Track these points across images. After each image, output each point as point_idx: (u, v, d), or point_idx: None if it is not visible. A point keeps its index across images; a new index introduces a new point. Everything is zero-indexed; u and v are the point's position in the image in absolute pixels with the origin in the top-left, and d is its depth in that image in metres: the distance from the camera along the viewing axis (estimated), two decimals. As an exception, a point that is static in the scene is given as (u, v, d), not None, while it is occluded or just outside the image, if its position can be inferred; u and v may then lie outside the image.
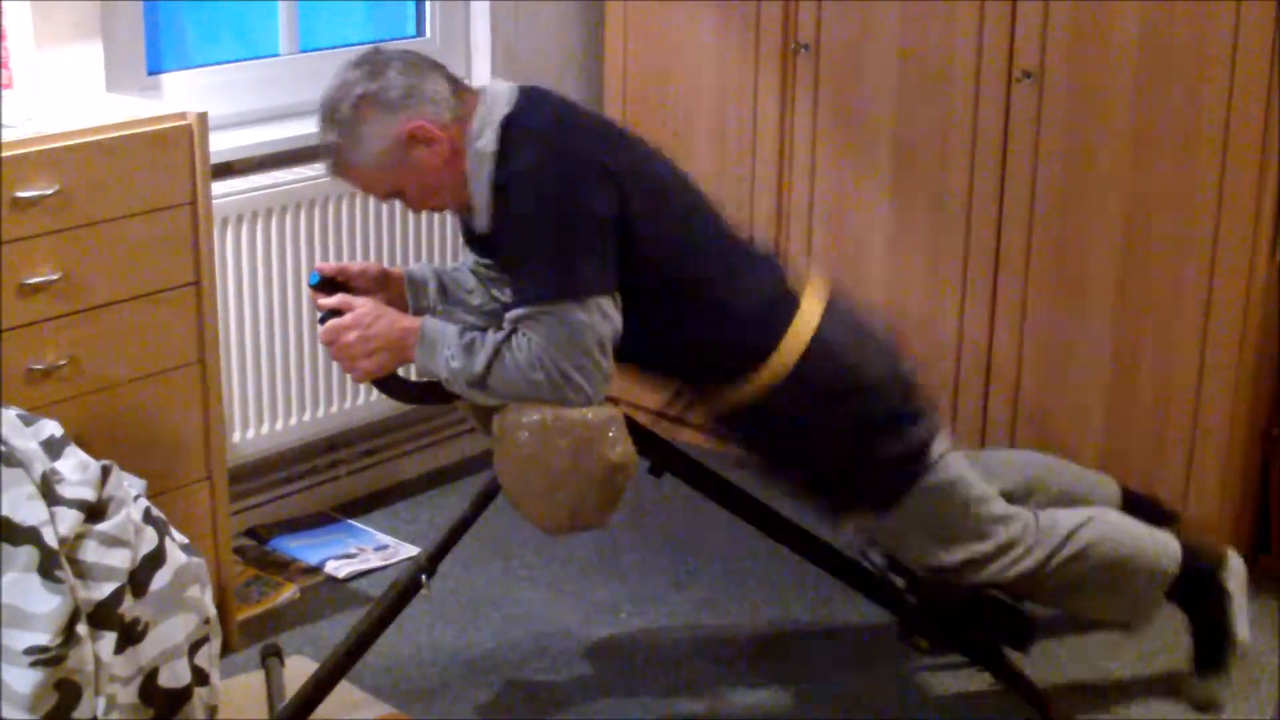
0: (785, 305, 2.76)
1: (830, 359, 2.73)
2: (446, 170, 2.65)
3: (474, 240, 2.83)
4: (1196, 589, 2.96)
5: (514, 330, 2.59)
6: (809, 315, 2.75)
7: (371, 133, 2.62)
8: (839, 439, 2.75)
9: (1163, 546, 2.94)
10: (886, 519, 2.80)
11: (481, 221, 2.67)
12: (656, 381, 2.88)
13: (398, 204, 3.66)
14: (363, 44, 3.84)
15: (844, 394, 2.74)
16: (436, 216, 3.77)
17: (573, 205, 2.57)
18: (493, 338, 2.60)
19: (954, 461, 2.82)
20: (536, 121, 2.64)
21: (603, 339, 2.58)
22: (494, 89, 2.69)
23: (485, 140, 2.61)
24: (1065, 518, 2.89)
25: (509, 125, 2.62)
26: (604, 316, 2.58)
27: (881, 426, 2.75)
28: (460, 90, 2.68)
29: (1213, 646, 2.99)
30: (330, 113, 2.64)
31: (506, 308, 2.68)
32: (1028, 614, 2.94)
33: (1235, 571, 3.00)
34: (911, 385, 2.84)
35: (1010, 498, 2.93)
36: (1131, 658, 3.17)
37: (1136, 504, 3.19)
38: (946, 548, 2.80)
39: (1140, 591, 2.92)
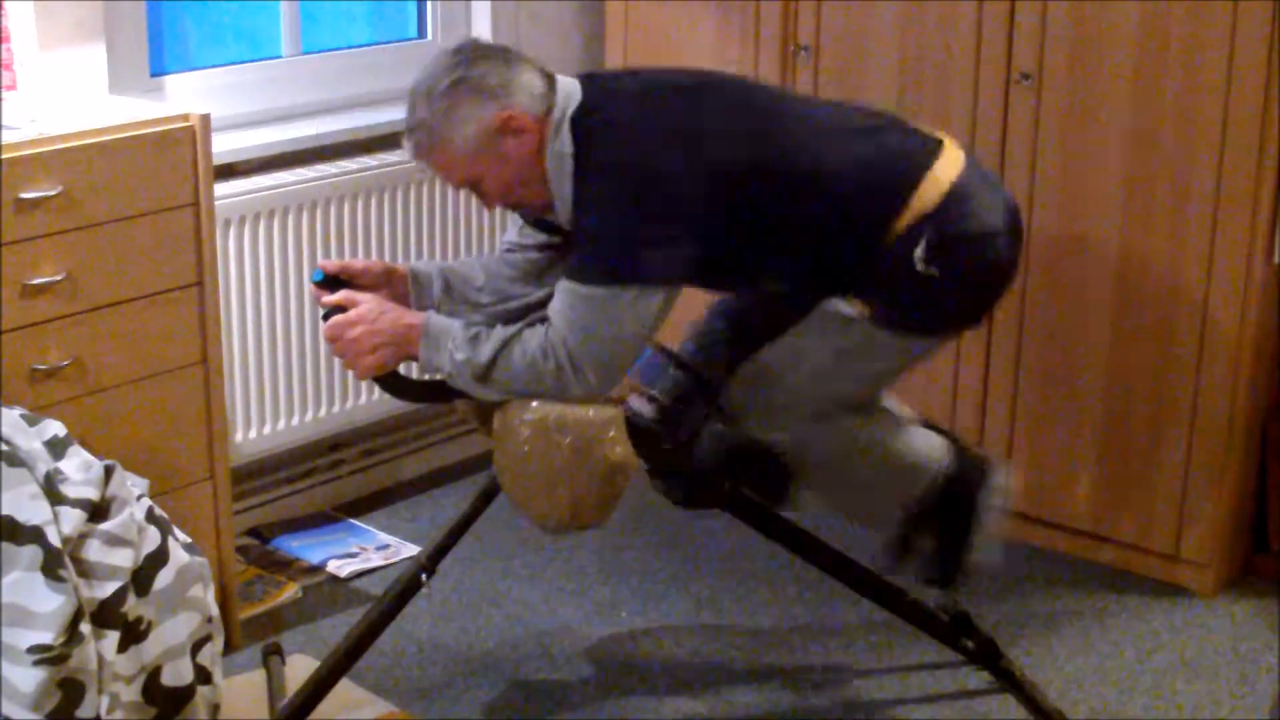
0: (926, 148, 2.74)
1: (973, 199, 2.71)
2: (531, 164, 2.65)
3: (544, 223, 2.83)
4: (950, 493, 2.91)
5: (527, 325, 2.60)
6: (952, 159, 2.74)
7: (465, 115, 2.61)
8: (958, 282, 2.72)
9: (932, 448, 2.91)
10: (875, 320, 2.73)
11: (565, 219, 2.68)
12: (799, 268, 2.80)
13: (398, 207, 3.69)
14: (365, 46, 3.91)
15: (974, 239, 2.72)
16: (437, 218, 3.78)
17: (645, 193, 2.58)
18: (500, 331, 2.61)
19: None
20: (606, 113, 2.64)
21: (627, 338, 2.58)
22: (563, 84, 2.68)
23: (561, 140, 2.62)
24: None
25: (578, 121, 2.63)
26: (640, 314, 2.58)
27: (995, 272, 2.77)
28: (548, 85, 2.67)
29: (944, 556, 2.93)
30: (426, 91, 2.63)
31: (509, 311, 2.69)
32: (784, 463, 2.85)
33: (997, 486, 2.94)
34: (1018, 245, 2.83)
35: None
36: (1129, 655, 3.18)
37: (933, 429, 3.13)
38: (800, 397, 2.76)
39: (889, 490, 2.89)
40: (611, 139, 2.63)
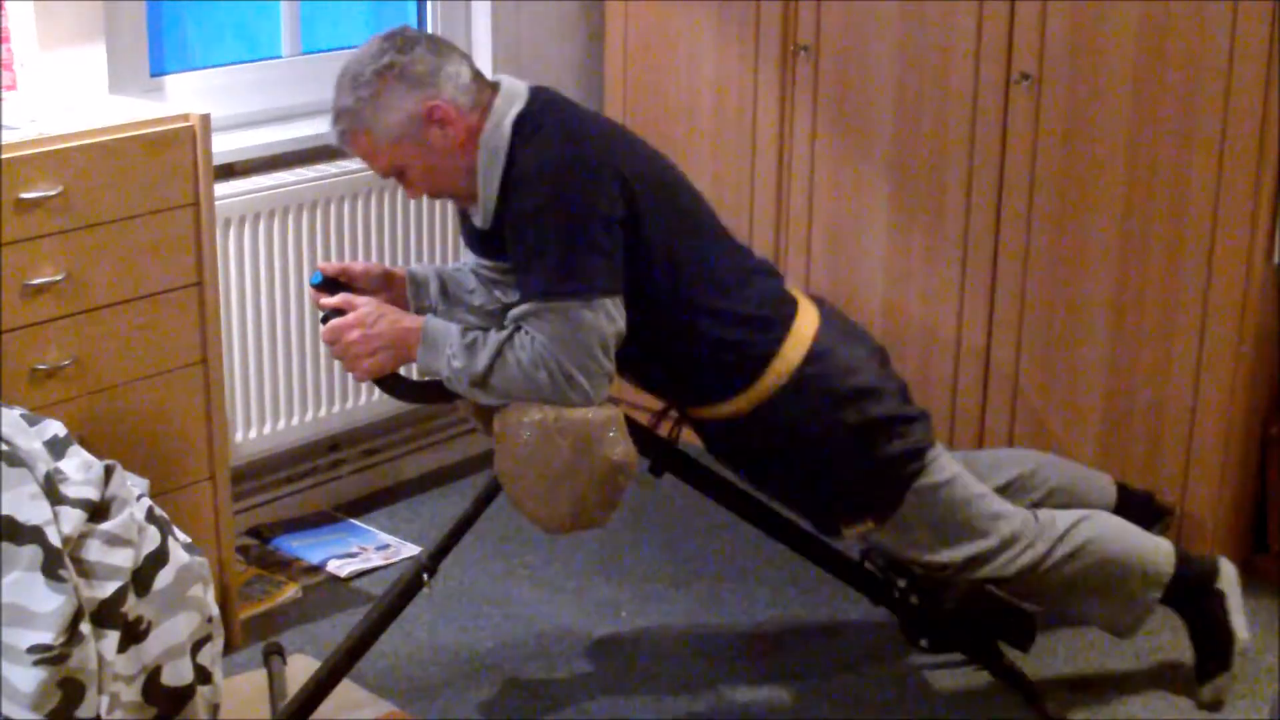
0: (785, 312, 2.77)
1: (830, 362, 2.75)
2: (457, 156, 2.66)
3: (475, 241, 2.84)
4: (1193, 592, 2.97)
5: (517, 329, 2.60)
6: (807, 322, 2.76)
7: (391, 103, 2.63)
8: (838, 445, 2.76)
9: (1158, 548, 2.96)
10: (886, 523, 2.81)
11: (482, 217, 2.68)
12: (650, 392, 2.89)
13: (398, 206, 3.69)
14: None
15: (843, 397, 2.75)
16: (438, 218, 3.78)
17: (582, 205, 2.58)
18: (495, 337, 2.61)
19: (948, 461, 2.83)
20: (548, 121, 2.65)
21: (606, 339, 2.59)
22: (510, 85, 2.70)
23: (498, 136, 2.63)
24: (1063, 515, 2.90)
25: (521, 123, 2.63)
26: (609, 317, 2.59)
27: (878, 431, 2.76)
28: (480, 81, 2.69)
29: (1214, 647, 3.00)
30: (353, 77, 2.64)
31: (508, 307, 2.69)
32: (1028, 613, 2.95)
33: (1228, 575, 3.01)
34: (904, 389, 2.85)
35: (1005, 493, 2.94)
36: (1129, 656, 3.18)
37: (1131, 500, 3.21)
38: (949, 546, 2.81)
39: (1135, 592, 2.93)
40: (544, 143, 2.62)
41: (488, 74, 2.79)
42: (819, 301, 2.87)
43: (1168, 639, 3.21)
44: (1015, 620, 2.94)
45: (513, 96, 2.67)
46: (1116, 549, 2.91)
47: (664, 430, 2.89)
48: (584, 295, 2.56)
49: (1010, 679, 3.00)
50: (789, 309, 2.78)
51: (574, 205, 2.58)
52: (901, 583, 2.96)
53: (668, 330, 2.72)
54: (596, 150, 2.64)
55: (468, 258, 2.93)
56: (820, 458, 2.78)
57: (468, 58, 2.71)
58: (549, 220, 2.59)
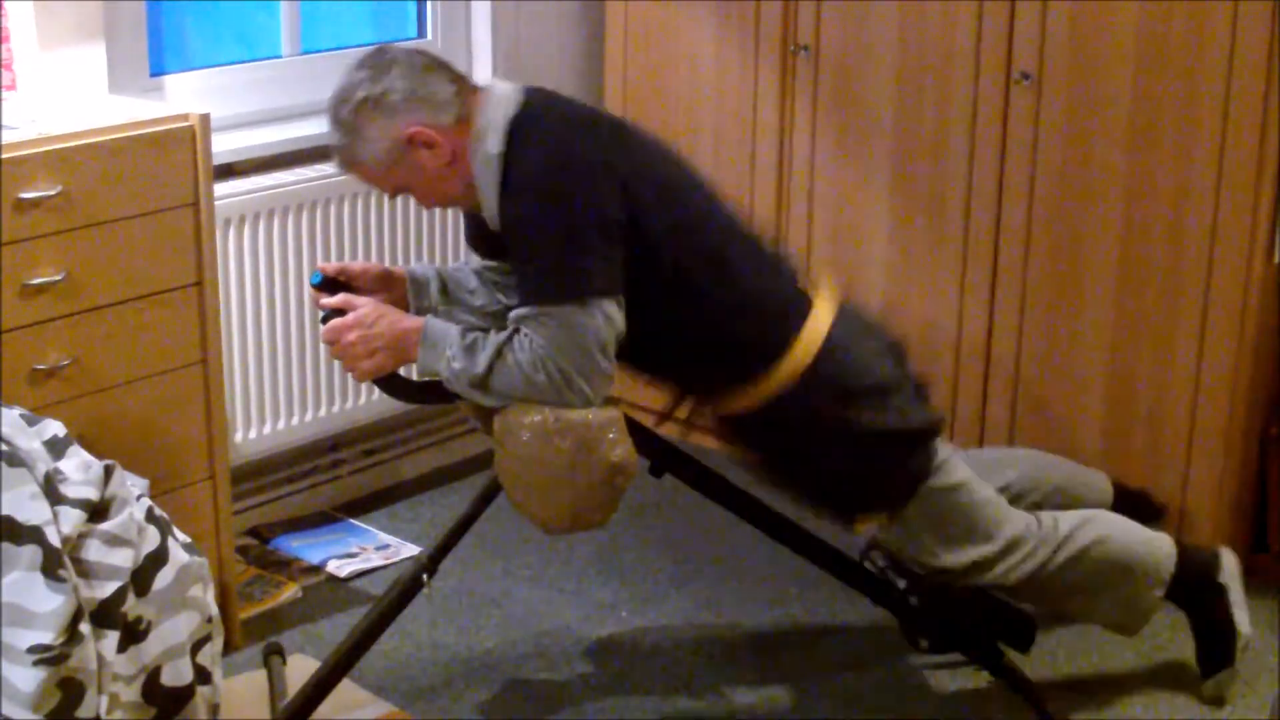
0: (798, 305, 2.76)
1: (843, 359, 2.74)
2: (449, 171, 2.67)
3: (480, 242, 2.84)
4: (1195, 588, 2.98)
5: (516, 330, 2.60)
6: (821, 316, 2.76)
7: (372, 135, 2.64)
8: (850, 441, 2.76)
9: (1160, 545, 2.96)
10: (895, 521, 2.81)
11: (492, 220, 2.68)
12: (664, 386, 2.89)
13: (399, 206, 3.70)
14: (364, 46, 3.90)
15: (856, 395, 2.74)
16: (438, 217, 3.78)
17: (579, 206, 2.58)
18: (494, 338, 2.61)
19: (959, 464, 2.83)
20: (543, 122, 2.65)
21: (604, 341, 2.59)
22: (498, 89, 2.69)
23: (491, 142, 2.62)
24: (1065, 519, 2.90)
25: (515, 127, 2.63)
26: (607, 319, 2.59)
27: (891, 428, 2.76)
28: (464, 90, 2.68)
29: (1217, 642, 3.01)
30: (334, 115, 2.67)
31: (510, 309, 2.69)
32: (1028, 614, 2.95)
33: (1230, 568, 3.02)
34: (919, 386, 2.85)
35: (1004, 494, 2.94)
36: (1129, 656, 3.18)
37: (1128, 498, 3.21)
38: (953, 549, 2.81)
39: (1138, 592, 2.94)
40: (540, 148, 2.62)
41: (488, 76, 2.79)
42: (836, 292, 2.85)
43: (1168, 638, 3.21)
44: (1015, 622, 2.95)
45: (501, 101, 2.66)
46: (1119, 549, 2.91)
47: (680, 415, 2.89)
48: (581, 298, 2.56)
49: (1010, 679, 3.00)
50: (803, 303, 2.77)
51: (570, 208, 2.58)
52: (901, 583, 2.96)
53: (677, 323, 2.72)
54: (593, 151, 2.63)
55: (471, 259, 2.93)
56: (832, 453, 2.78)
57: (447, 68, 2.70)
58: (546, 223, 2.58)
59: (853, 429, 2.74)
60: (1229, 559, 3.03)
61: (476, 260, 2.90)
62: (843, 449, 2.77)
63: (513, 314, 2.62)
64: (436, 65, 2.69)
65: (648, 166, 2.70)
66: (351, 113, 2.64)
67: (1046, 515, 2.91)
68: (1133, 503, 3.23)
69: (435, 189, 2.71)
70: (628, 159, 2.67)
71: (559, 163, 2.60)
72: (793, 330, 2.73)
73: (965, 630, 2.96)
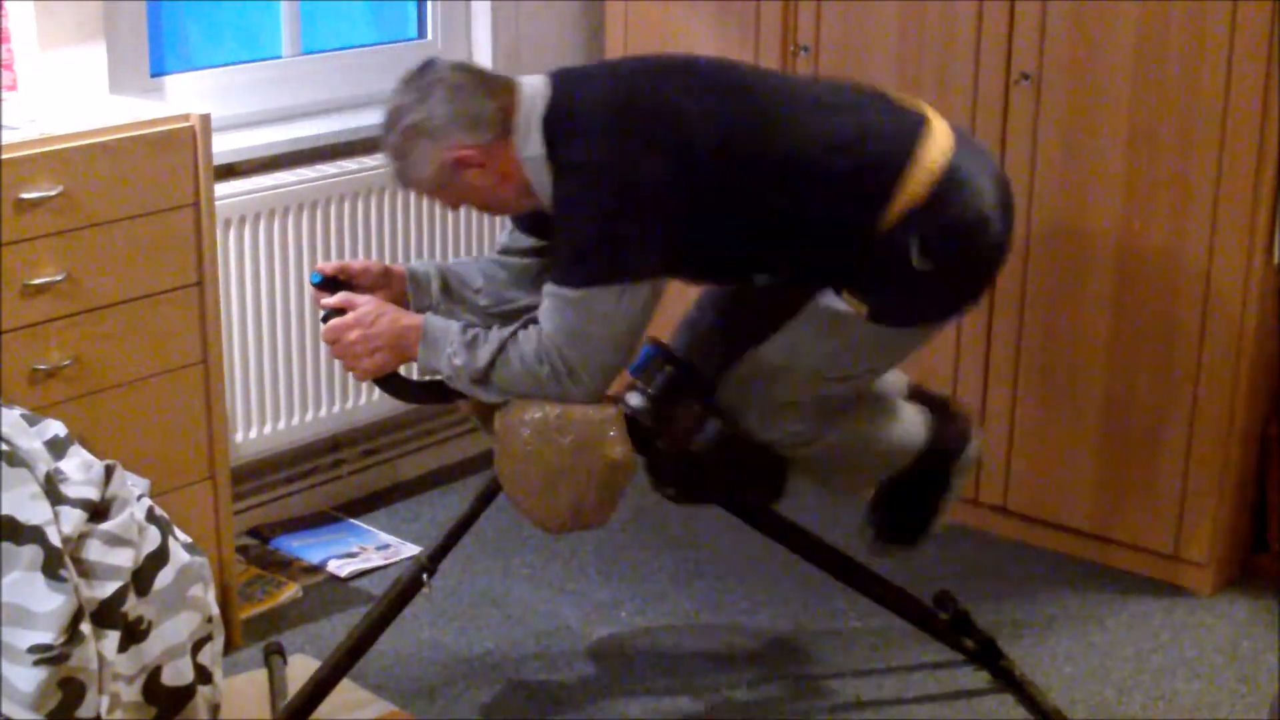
0: (908, 135, 2.68)
1: (966, 183, 2.68)
2: (504, 184, 2.66)
3: (528, 224, 2.83)
4: (926, 471, 2.97)
5: (521, 326, 2.60)
6: (938, 138, 2.70)
7: (419, 159, 2.65)
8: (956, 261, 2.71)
9: (917, 429, 2.94)
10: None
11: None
12: (789, 274, 2.81)
13: (399, 206, 3.70)
14: (364, 46, 3.91)
15: (968, 229, 2.69)
16: (438, 217, 3.77)
17: (620, 190, 2.57)
18: (498, 334, 2.61)
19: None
20: (575, 113, 2.64)
21: (619, 334, 2.58)
22: (525, 88, 2.66)
23: (533, 146, 2.62)
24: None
25: (549, 126, 2.62)
26: (629, 308, 2.57)
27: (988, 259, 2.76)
28: (504, 101, 2.64)
29: (911, 520, 3.01)
30: (385, 139, 2.68)
31: (515, 312, 2.69)
32: (780, 459, 2.85)
33: (967, 460, 3.01)
34: (1010, 219, 2.81)
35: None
36: (1129, 656, 3.18)
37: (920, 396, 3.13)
38: (792, 406, 2.76)
39: (873, 471, 2.96)
40: (581, 135, 2.61)
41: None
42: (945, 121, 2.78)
43: (1168, 638, 3.21)
44: (767, 467, 2.86)
45: (530, 100, 2.64)
46: (876, 433, 2.90)
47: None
48: (608, 281, 2.56)
49: (1010, 679, 3.00)
50: (915, 127, 2.69)
51: (611, 192, 2.56)
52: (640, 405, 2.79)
53: (793, 203, 2.65)
54: (629, 132, 2.60)
55: (503, 236, 2.90)
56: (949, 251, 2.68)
57: (486, 82, 2.67)
58: (583, 211, 2.58)
59: (962, 256, 2.70)
60: (974, 450, 3.02)
61: (484, 259, 2.90)
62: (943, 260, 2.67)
63: (546, 288, 2.61)
64: (477, 81, 2.67)
65: (695, 100, 2.64)
66: (399, 138, 2.65)
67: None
68: (924, 400, 3.13)
69: (492, 201, 2.73)
70: (673, 106, 2.63)
71: (598, 146, 2.58)
72: (909, 153, 2.65)
73: (714, 474, 2.85)
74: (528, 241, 2.84)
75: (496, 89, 2.66)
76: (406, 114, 2.64)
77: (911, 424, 2.95)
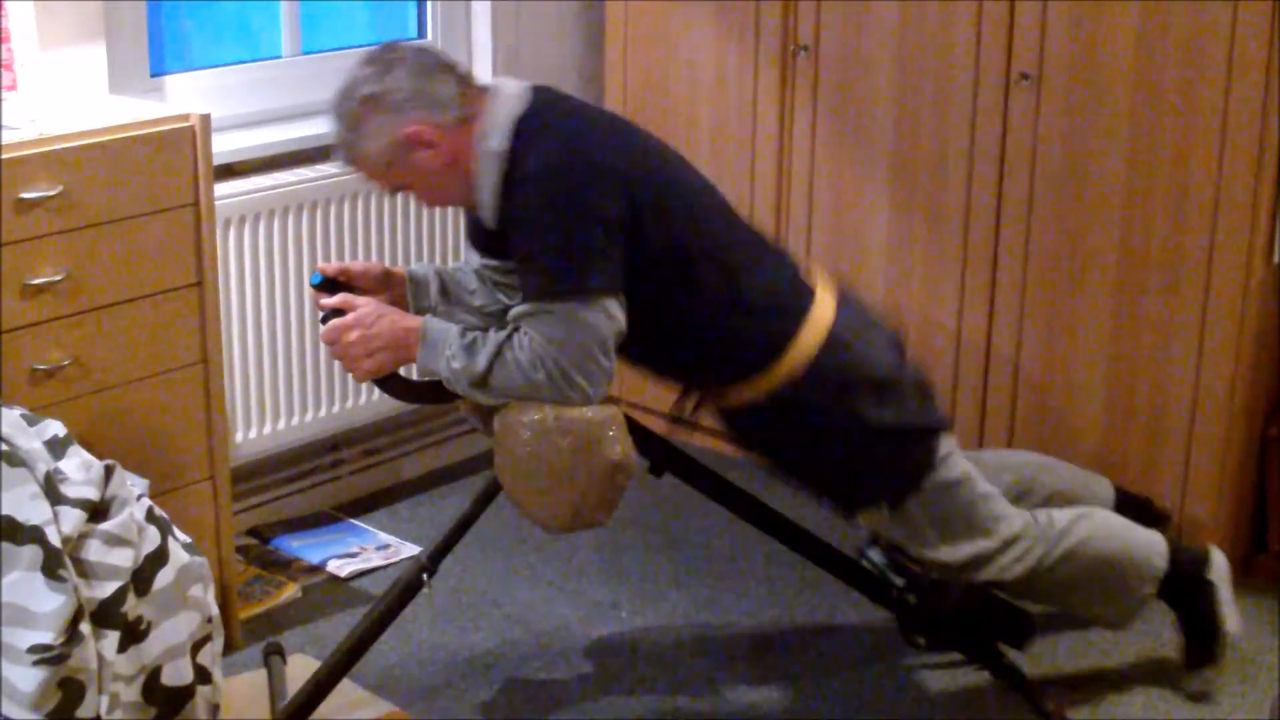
0: (800, 300, 2.77)
1: (846, 353, 2.75)
2: (449, 171, 2.67)
3: (480, 241, 2.84)
4: (1184, 585, 2.99)
5: (516, 329, 2.60)
6: (824, 309, 2.76)
7: (372, 132, 2.65)
8: (853, 434, 2.77)
9: (1151, 544, 2.98)
10: (897, 515, 2.81)
11: (489, 218, 2.68)
12: (668, 382, 2.90)
13: (399, 206, 3.70)
14: (365, 46, 3.90)
15: (859, 388, 2.75)
16: (438, 217, 3.78)
17: (582, 205, 2.58)
18: (494, 337, 2.61)
19: (960, 459, 2.84)
20: (549, 121, 2.66)
21: (605, 339, 2.59)
22: (504, 88, 2.70)
23: (495, 140, 2.63)
24: (1060, 516, 2.91)
25: (521, 125, 2.64)
26: (608, 316, 2.59)
27: (893, 423, 2.77)
28: (468, 90, 2.69)
29: (1203, 640, 3.03)
30: (337, 109, 2.68)
31: (509, 309, 2.69)
32: (1025, 612, 2.96)
33: (1219, 567, 3.03)
34: (921, 381, 2.86)
35: (1005, 496, 2.94)
36: (1129, 655, 3.18)
37: (1129, 504, 3.21)
38: (952, 544, 2.81)
39: (1130, 588, 2.95)
40: (548, 141, 2.63)
41: (488, 74, 2.79)
42: (838, 287, 2.86)
43: (1167, 637, 3.21)
44: (1013, 620, 2.95)
45: (507, 99, 2.67)
46: (1113, 546, 2.93)
47: (683, 413, 2.90)
48: (582, 295, 2.57)
49: (1010, 679, 3.00)
50: (805, 296, 2.78)
51: (573, 206, 2.58)
52: (899, 582, 2.96)
53: (681, 320, 2.73)
54: (596, 150, 2.64)
55: (471, 258, 2.94)
56: (834, 445, 2.79)
57: (453, 69, 2.70)
58: (548, 221, 2.59)
59: (856, 422, 2.75)
60: (1218, 558, 3.04)
61: (476, 259, 2.91)
62: (845, 441, 2.78)
63: (513, 311, 2.62)
64: (443, 64, 2.70)
65: (651, 168, 2.71)
66: (354, 108, 2.65)
67: (1042, 512, 2.92)
68: (1135, 508, 3.23)
69: (435, 188, 2.72)
70: (632, 160, 2.67)
71: (564, 161, 2.61)
72: (797, 324, 2.74)
73: (962, 628, 2.96)
74: (499, 261, 2.85)
75: (461, 76, 2.70)
76: (364, 85, 2.65)
77: (1125, 529, 2.99)
